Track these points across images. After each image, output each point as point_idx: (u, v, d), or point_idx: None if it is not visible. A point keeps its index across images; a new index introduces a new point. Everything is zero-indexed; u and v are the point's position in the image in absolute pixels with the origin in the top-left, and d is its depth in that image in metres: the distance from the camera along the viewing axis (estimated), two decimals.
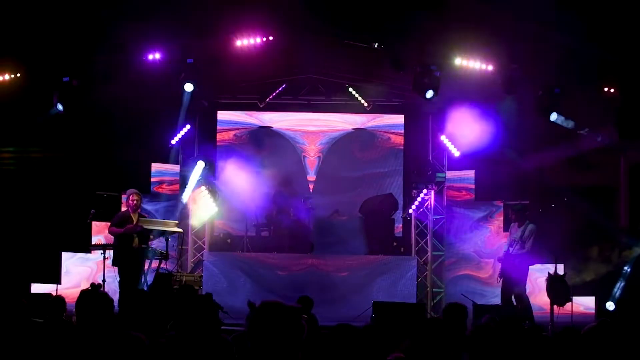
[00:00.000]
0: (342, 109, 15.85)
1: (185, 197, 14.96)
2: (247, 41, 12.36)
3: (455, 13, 11.82)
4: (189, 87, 12.62)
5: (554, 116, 12.51)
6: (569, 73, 12.33)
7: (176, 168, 15.31)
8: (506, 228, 13.95)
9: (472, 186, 14.88)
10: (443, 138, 15.44)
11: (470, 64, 12.35)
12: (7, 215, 13.79)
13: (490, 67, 12.33)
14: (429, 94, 12.50)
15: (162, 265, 12.54)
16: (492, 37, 12.02)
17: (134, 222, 11.91)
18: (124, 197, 13.04)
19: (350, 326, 5.90)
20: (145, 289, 11.68)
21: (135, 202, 12.09)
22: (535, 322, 12.03)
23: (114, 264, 12.02)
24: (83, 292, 5.78)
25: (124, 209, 12.88)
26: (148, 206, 14.20)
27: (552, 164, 13.82)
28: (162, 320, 7.58)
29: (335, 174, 15.90)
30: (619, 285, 13.15)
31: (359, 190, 15.79)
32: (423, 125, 15.75)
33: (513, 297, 12.38)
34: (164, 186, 15.07)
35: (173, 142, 15.19)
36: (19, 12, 11.50)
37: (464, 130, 14.50)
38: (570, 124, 12.65)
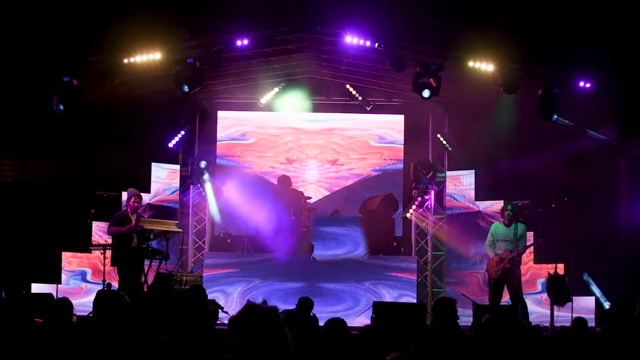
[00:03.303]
0: (342, 109, 15.84)
1: (215, 214, 15.03)
2: (246, 41, 12.35)
3: (455, 12, 11.83)
4: (186, 88, 12.61)
5: (555, 116, 12.50)
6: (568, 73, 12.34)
7: (176, 170, 15.35)
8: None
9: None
10: (443, 138, 15.48)
11: (470, 63, 12.34)
12: (7, 214, 13.80)
13: (490, 67, 12.33)
14: (426, 93, 12.47)
15: (162, 265, 12.53)
16: (493, 36, 12.02)
17: (133, 223, 11.94)
18: (124, 194, 13.05)
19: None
20: (145, 289, 11.68)
21: (136, 204, 12.17)
22: (530, 322, 12.11)
23: (112, 264, 12.05)
24: (100, 292, 5.81)
25: (123, 208, 12.89)
26: None
27: (552, 164, 13.82)
28: (162, 320, 7.58)
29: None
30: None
31: (359, 190, 15.81)
32: (423, 125, 15.75)
33: (512, 297, 12.38)
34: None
35: (172, 143, 15.27)
36: (19, 10, 11.51)
37: (464, 130, 14.55)
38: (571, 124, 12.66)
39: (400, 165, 15.88)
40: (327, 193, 15.90)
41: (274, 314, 3.64)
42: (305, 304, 9.97)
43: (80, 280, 14.27)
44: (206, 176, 14.93)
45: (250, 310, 3.64)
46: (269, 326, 3.58)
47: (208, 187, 15.01)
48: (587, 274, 12.68)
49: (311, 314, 9.81)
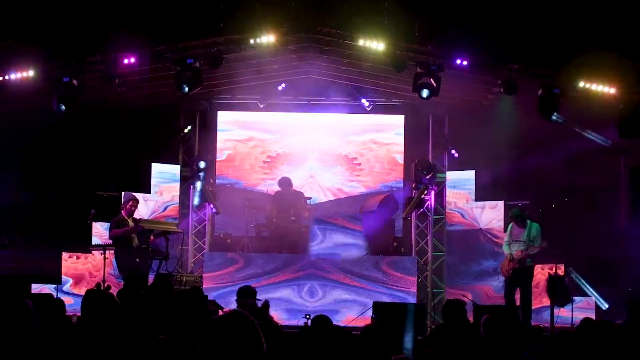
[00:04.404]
0: (342, 109, 15.82)
1: (196, 199, 15.02)
2: (246, 41, 12.34)
3: (455, 13, 11.85)
4: (186, 88, 12.61)
5: (554, 116, 12.51)
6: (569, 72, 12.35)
7: (176, 170, 15.34)
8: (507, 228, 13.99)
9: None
10: (443, 138, 15.47)
11: (471, 64, 12.34)
12: (7, 215, 13.79)
13: (489, 67, 12.34)
14: (425, 93, 12.47)
15: (162, 266, 12.52)
16: (493, 37, 12.03)
17: (130, 226, 11.96)
18: (124, 195, 13.05)
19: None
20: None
21: (133, 208, 12.19)
22: (531, 323, 12.15)
23: (120, 271, 12.08)
24: (89, 291, 5.79)
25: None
26: None
27: (552, 164, 13.82)
28: (162, 320, 7.56)
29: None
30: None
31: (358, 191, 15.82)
32: (423, 125, 15.74)
33: (520, 297, 12.44)
34: None
35: (172, 144, 15.26)
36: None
37: (464, 130, 14.56)
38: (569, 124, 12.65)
39: (400, 166, 15.87)
40: (332, 198, 15.88)
41: (249, 320, 3.69)
42: (246, 293, 9.71)
43: (54, 291, 13.46)
44: (201, 164, 14.82)
45: (228, 316, 3.71)
46: (241, 333, 3.64)
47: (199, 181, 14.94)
48: (572, 269, 12.71)
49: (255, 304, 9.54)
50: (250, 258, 13.78)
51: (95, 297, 5.48)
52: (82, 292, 13.24)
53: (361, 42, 12.37)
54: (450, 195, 15.20)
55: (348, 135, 15.99)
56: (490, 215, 14.63)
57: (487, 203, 14.76)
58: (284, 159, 15.94)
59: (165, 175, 15.20)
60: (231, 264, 13.60)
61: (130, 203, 12.24)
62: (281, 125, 16.02)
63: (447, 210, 15.17)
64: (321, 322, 6.32)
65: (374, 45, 12.37)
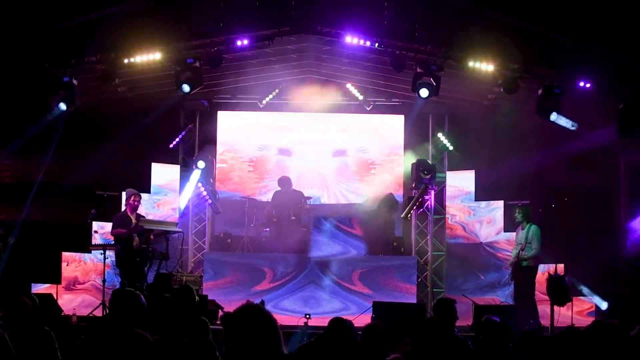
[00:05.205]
0: (342, 109, 15.82)
1: (183, 202, 14.98)
2: (247, 41, 12.35)
3: (455, 13, 11.84)
4: (186, 88, 12.61)
5: (553, 116, 12.50)
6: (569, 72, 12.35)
7: (176, 169, 15.33)
8: (507, 228, 14.04)
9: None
10: (442, 138, 15.47)
11: (471, 63, 12.34)
12: (7, 214, 13.79)
13: (490, 67, 12.33)
14: (424, 92, 12.47)
15: (162, 266, 12.52)
16: (493, 36, 12.03)
17: (133, 223, 11.96)
18: (124, 194, 13.02)
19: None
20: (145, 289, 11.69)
21: (136, 202, 12.19)
22: (539, 321, 12.16)
23: (117, 265, 12.10)
24: (115, 291, 5.81)
25: (123, 207, 12.87)
26: None
27: (552, 164, 13.82)
28: (160, 320, 7.57)
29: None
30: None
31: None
32: (423, 125, 15.74)
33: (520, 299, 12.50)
34: None
35: (172, 144, 15.23)
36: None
37: (464, 130, 14.57)
38: (569, 124, 12.63)
39: (400, 166, 15.87)
40: (334, 201, 15.89)
41: (266, 313, 3.69)
42: (184, 292, 9.41)
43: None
44: (201, 163, 14.76)
45: (243, 309, 3.70)
46: (258, 325, 3.63)
47: (195, 173, 14.85)
48: (570, 275, 12.74)
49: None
50: (250, 258, 13.76)
51: (124, 296, 5.42)
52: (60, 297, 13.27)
53: (361, 42, 12.36)
54: (451, 207, 15.16)
55: (381, 141, 15.99)
56: (488, 230, 14.68)
57: (484, 217, 14.78)
58: (265, 162, 15.93)
59: (161, 189, 15.13)
60: (231, 263, 13.59)
61: (132, 198, 12.25)
62: (240, 128, 15.97)
63: (449, 222, 15.15)
64: (340, 325, 6.29)
65: (375, 45, 12.36)
